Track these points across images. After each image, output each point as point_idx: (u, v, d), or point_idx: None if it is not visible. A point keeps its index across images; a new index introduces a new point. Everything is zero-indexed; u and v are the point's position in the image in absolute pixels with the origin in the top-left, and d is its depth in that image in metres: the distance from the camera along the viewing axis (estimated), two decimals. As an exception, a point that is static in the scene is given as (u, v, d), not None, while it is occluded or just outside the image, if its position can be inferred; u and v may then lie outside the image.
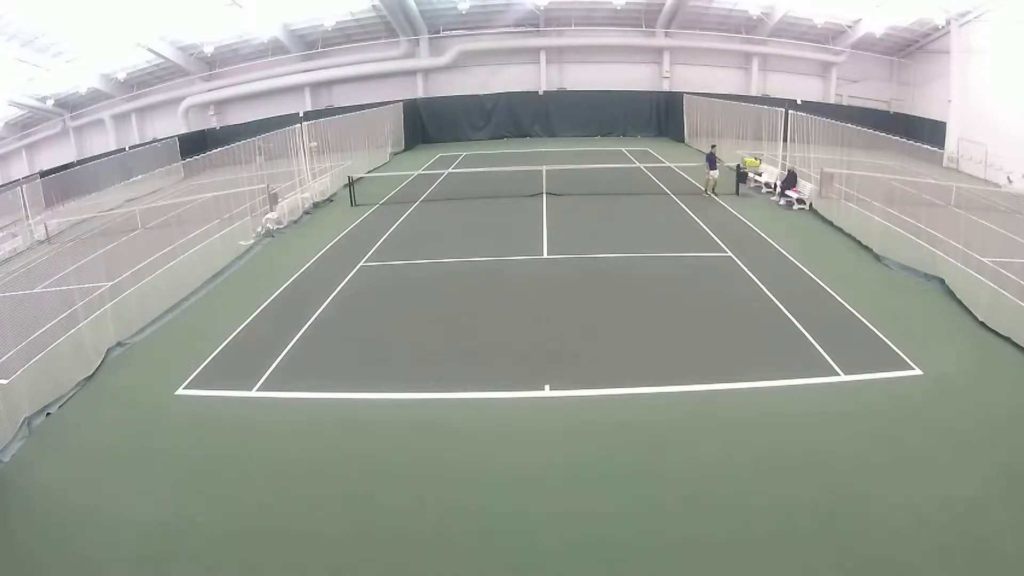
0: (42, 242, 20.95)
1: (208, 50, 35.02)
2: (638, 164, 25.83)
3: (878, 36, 33.94)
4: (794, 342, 9.35)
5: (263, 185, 19.84)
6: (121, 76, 36.78)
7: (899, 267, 12.66)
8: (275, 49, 36.57)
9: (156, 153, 32.69)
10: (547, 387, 8.23)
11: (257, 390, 8.55)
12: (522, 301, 11.48)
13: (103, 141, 38.54)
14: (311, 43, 36.91)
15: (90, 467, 7.05)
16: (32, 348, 10.32)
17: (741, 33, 36.15)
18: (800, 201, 18.27)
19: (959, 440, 6.87)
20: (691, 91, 33.69)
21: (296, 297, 12.16)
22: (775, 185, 19.86)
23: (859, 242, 14.41)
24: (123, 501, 6.37)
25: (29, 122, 38.84)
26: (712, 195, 19.55)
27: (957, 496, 5.92)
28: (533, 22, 35.68)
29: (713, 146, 20.88)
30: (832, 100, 36.54)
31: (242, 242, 16.32)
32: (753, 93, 35.96)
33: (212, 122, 38.62)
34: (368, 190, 21.13)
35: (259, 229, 17.28)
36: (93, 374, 9.24)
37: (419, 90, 37.78)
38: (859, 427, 7.15)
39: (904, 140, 26.63)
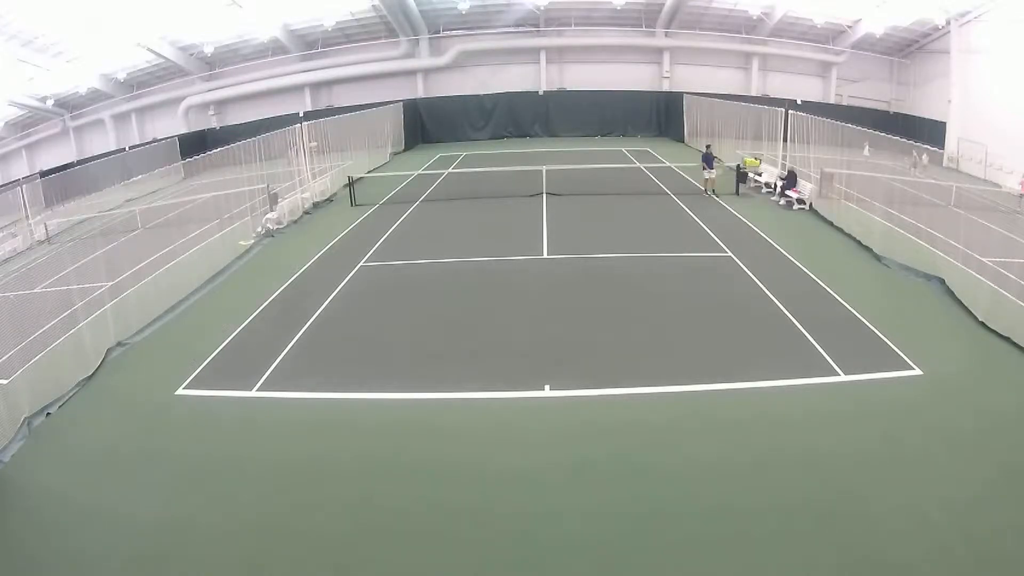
0: (42, 242, 20.95)
1: (208, 50, 35.05)
2: (638, 164, 25.83)
3: (878, 36, 33.96)
4: (794, 342, 9.35)
5: (263, 185, 19.86)
6: (121, 76, 36.81)
7: (899, 267, 12.66)
8: (275, 49, 36.59)
9: (156, 153, 32.71)
10: (547, 387, 8.22)
11: (257, 390, 8.55)
12: (522, 301, 11.48)
13: (103, 141, 38.57)
14: (311, 43, 36.93)
15: (90, 467, 7.05)
16: (32, 348, 10.32)
17: (741, 33, 36.18)
18: (800, 201, 18.26)
19: (959, 440, 6.86)
20: (691, 91, 33.70)
21: (296, 297, 12.15)
22: (775, 185, 19.86)
23: (859, 242, 14.40)
24: (123, 501, 6.36)
25: (29, 122, 38.87)
26: (712, 195, 19.56)
27: (957, 496, 5.91)
28: (533, 22, 35.70)
29: (708, 146, 20.88)
30: (832, 100, 36.57)
31: (242, 242, 16.32)
32: (753, 93, 35.99)
33: (212, 122, 38.66)
34: (368, 190, 21.13)
35: (259, 229, 17.29)
36: (93, 374, 9.24)
37: (419, 90, 37.81)
38: (859, 427, 7.15)
39: (904, 140, 26.68)
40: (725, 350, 9.23)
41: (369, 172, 25.01)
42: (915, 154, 26.68)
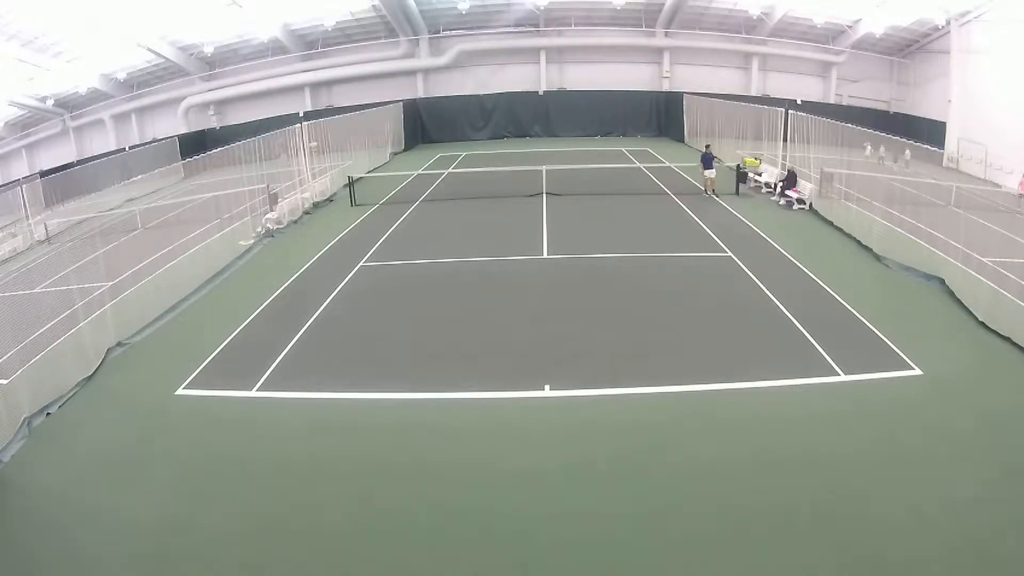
0: (42, 242, 20.95)
1: (208, 50, 35.08)
2: (638, 164, 25.83)
3: (878, 36, 33.96)
4: (794, 342, 9.35)
5: (263, 185, 19.86)
6: (121, 76, 36.82)
7: (899, 267, 12.66)
8: (275, 49, 36.60)
9: (156, 153, 32.72)
10: (547, 387, 8.22)
11: (257, 390, 8.55)
12: (522, 301, 11.48)
13: (103, 141, 38.59)
14: (311, 43, 36.94)
15: (90, 467, 7.04)
16: (32, 348, 10.31)
17: (741, 33, 36.19)
18: (800, 201, 18.27)
19: (959, 440, 6.86)
20: (691, 91, 33.71)
21: (296, 297, 12.15)
22: (775, 185, 19.86)
23: (859, 242, 14.41)
24: (123, 501, 6.36)
25: (29, 122, 38.88)
26: (712, 195, 19.56)
27: (957, 496, 5.91)
28: (533, 22, 35.71)
29: (707, 146, 20.88)
30: (832, 100, 36.58)
31: (242, 242, 16.31)
32: (753, 93, 36.00)
33: (212, 122, 38.67)
34: (368, 190, 21.13)
35: (259, 229, 17.28)
36: (93, 374, 9.24)
37: (419, 90, 37.82)
38: (859, 427, 7.15)
39: (904, 140, 26.69)
40: (725, 350, 9.23)
41: (369, 172, 25.01)
42: (882, 149, 26.93)
